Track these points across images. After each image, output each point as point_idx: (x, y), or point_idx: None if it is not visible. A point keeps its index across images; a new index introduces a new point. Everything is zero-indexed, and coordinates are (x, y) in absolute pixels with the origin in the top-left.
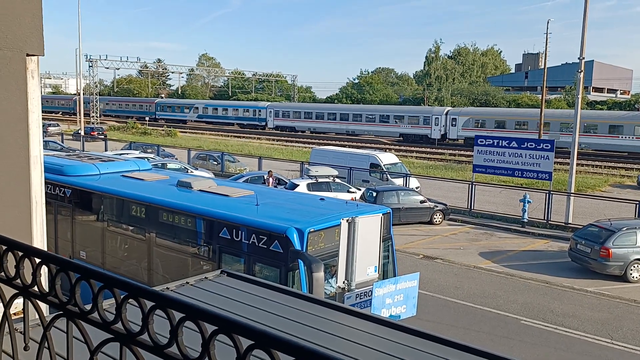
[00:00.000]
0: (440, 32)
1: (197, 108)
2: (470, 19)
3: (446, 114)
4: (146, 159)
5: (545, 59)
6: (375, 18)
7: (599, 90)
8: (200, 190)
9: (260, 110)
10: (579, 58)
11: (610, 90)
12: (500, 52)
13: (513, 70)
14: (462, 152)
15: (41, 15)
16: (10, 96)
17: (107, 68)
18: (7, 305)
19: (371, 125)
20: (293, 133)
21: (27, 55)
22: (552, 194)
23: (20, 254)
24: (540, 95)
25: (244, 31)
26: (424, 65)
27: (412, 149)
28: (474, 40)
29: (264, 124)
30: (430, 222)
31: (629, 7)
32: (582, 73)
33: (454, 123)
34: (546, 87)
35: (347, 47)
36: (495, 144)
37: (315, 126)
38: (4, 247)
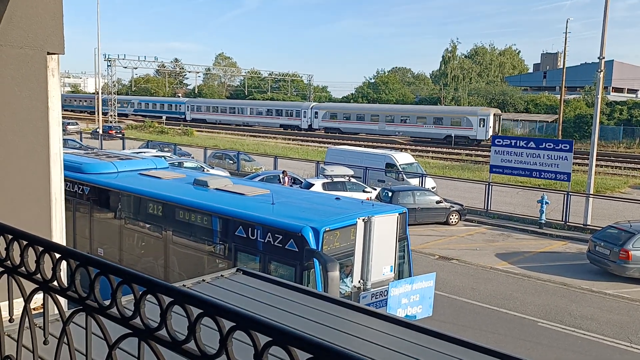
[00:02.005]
0: (458, 32)
1: (133, 103)
2: (488, 19)
3: (311, 108)
4: (163, 158)
5: (564, 59)
6: (393, 18)
7: (618, 90)
8: (216, 188)
9: (180, 105)
10: (598, 58)
11: (630, 90)
12: (519, 52)
13: (531, 70)
14: (478, 153)
15: (62, 15)
16: (31, 94)
17: (125, 67)
18: (27, 300)
19: (259, 117)
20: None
21: (48, 53)
22: (570, 195)
23: (41, 249)
24: (559, 96)
25: (260, 31)
26: (441, 65)
27: (428, 149)
28: (492, 40)
29: (183, 117)
30: (446, 223)
31: None
32: (602, 73)
33: (316, 116)
34: (565, 87)
35: (364, 47)
36: (513, 144)
37: (219, 118)
38: (25, 242)
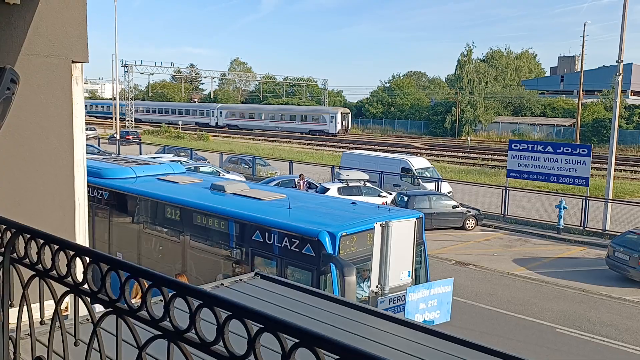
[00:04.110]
0: (474, 36)
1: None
2: (504, 23)
3: (218, 108)
4: (180, 163)
5: (582, 62)
6: (409, 22)
7: (637, 93)
8: (233, 193)
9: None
10: (617, 61)
11: None
12: (535, 55)
13: (548, 74)
14: (495, 157)
15: (86, 24)
16: (57, 102)
17: (142, 73)
18: (58, 303)
19: (180, 117)
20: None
21: (73, 62)
22: (588, 200)
23: (72, 253)
24: (577, 99)
25: (275, 36)
26: (456, 69)
27: (444, 153)
28: (508, 44)
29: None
30: (463, 228)
31: None
32: (620, 76)
33: (221, 114)
34: (583, 90)
35: (380, 51)
36: (530, 148)
37: (161, 119)
38: (56, 247)
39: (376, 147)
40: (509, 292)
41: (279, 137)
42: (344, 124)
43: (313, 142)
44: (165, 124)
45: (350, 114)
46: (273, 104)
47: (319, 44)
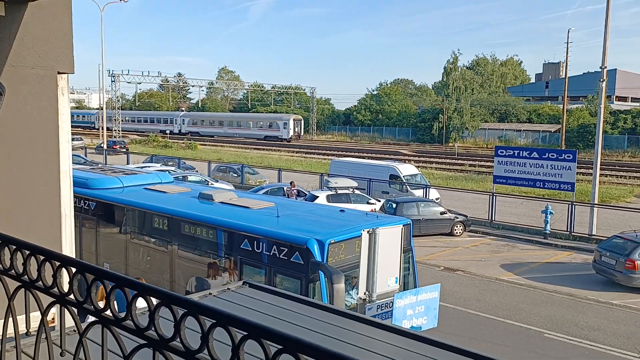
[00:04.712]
0: (460, 43)
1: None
2: (490, 29)
3: (181, 116)
4: (167, 172)
5: (566, 69)
6: (396, 29)
7: (622, 99)
8: (221, 202)
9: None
10: (600, 67)
11: (634, 99)
12: (520, 62)
13: (533, 80)
14: (482, 163)
15: (71, 35)
16: (42, 113)
17: (129, 82)
18: (44, 313)
19: (145, 124)
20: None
21: (58, 73)
22: (574, 205)
23: (58, 263)
24: (562, 105)
25: (263, 44)
26: (443, 76)
27: (432, 159)
28: (494, 51)
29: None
30: (451, 234)
31: None
32: (604, 82)
33: (184, 122)
34: (568, 96)
35: (367, 59)
36: (516, 154)
37: (126, 127)
38: (42, 257)
39: (364, 154)
40: (497, 298)
41: (268, 146)
42: (296, 130)
43: (302, 150)
44: (131, 131)
45: (302, 121)
46: (261, 112)
47: (306, 52)
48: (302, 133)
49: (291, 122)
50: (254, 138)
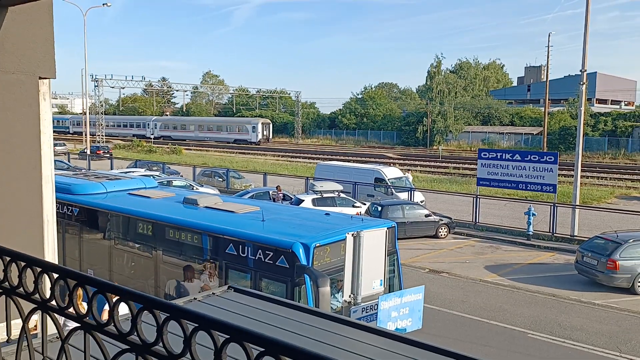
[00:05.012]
0: (444, 47)
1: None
2: (473, 34)
3: (153, 121)
4: (152, 177)
5: (547, 72)
6: (380, 34)
7: (602, 101)
8: (206, 207)
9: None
10: (580, 70)
11: (614, 102)
12: (503, 65)
13: (515, 84)
14: (466, 166)
15: (53, 40)
16: (24, 118)
17: (113, 87)
18: (25, 320)
19: (118, 129)
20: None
21: (40, 78)
22: (557, 206)
23: (39, 269)
24: (544, 108)
25: (248, 48)
26: (426, 80)
27: (417, 162)
28: (477, 55)
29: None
30: (436, 236)
31: (631, 18)
32: (584, 85)
33: (156, 126)
34: (549, 99)
35: (352, 63)
36: (499, 157)
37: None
38: (23, 264)
39: (350, 158)
40: (481, 299)
41: (251, 150)
42: (264, 134)
43: (287, 154)
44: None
45: (270, 124)
46: (247, 116)
47: (291, 56)
48: (270, 136)
49: (259, 126)
50: (224, 141)
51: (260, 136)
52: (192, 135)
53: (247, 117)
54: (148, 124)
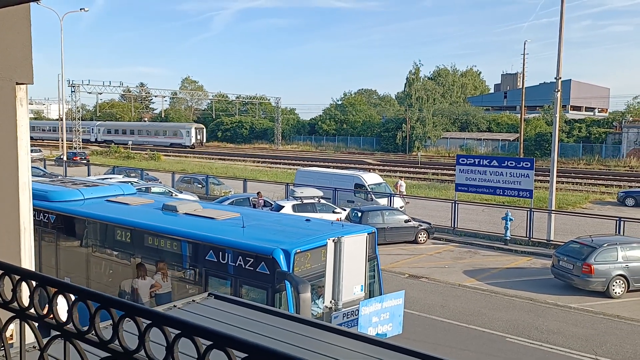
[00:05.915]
0: (422, 54)
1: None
2: (450, 41)
3: (97, 126)
4: (130, 184)
5: (523, 79)
6: (359, 41)
7: (577, 108)
8: (186, 213)
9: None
10: (555, 78)
11: (588, 109)
12: (480, 73)
13: (492, 91)
14: (444, 172)
15: (31, 45)
16: (0, 124)
17: (90, 93)
18: (2, 329)
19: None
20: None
21: (17, 83)
22: (533, 211)
23: (17, 277)
24: (520, 115)
25: (227, 55)
26: (405, 87)
27: (397, 168)
28: (454, 62)
29: None
30: (415, 241)
31: (603, 27)
32: (559, 92)
33: (100, 131)
34: (525, 106)
35: (332, 69)
36: (477, 163)
37: (44, 136)
38: (0, 272)
39: (330, 163)
40: (460, 304)
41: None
42: (198, 138)
43: (267, 160)
44: (48, 140)
45: (204, 129)
46: (229, 123)
47: (271, 62)
48: (204, 140)
49: (193, 131)
50: (161, 145)
51: (194, 140)
52: (132, 139)
53: (182, 122)
54: (92, 129)
